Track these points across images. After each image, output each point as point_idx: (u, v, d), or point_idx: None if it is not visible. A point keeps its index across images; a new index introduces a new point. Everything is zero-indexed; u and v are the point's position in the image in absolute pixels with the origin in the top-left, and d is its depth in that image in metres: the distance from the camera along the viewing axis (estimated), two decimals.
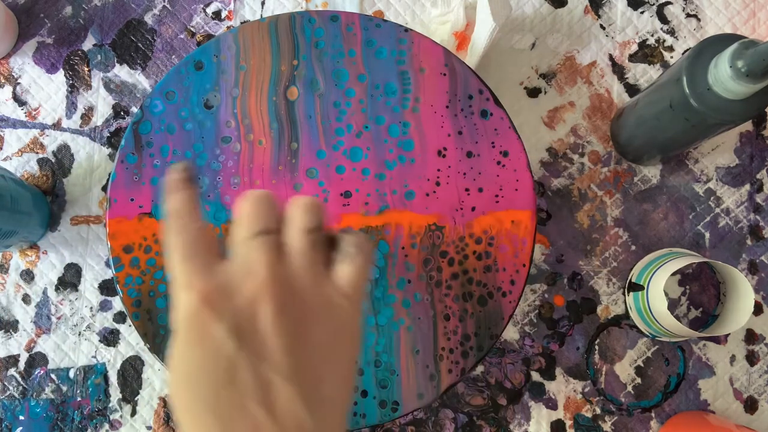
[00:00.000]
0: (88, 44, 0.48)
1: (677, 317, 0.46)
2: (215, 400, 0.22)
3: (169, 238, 0.25)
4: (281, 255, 0.25)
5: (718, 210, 0.47)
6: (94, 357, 0.46)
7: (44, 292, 0.46)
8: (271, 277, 0.24)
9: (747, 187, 0.47)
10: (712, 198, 0.47)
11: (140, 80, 0.48)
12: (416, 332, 0.36)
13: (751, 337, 0.46)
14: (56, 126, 0.48)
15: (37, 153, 0.47)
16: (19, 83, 0.48)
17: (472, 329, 0.36)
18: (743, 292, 0.42)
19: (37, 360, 0.46)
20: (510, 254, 0.36)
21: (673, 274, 0.46)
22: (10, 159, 0.47)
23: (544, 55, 0.48)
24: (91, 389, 0.46)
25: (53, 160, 0.47)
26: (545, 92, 0.48)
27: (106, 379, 0.46)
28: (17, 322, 0.46)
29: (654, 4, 0.48)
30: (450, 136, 0.37)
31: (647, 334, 0.45)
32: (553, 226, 0.47)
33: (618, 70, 0.48)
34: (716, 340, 0.46)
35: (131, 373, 0.46)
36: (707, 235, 0.47)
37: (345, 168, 0.37)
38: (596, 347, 0.46)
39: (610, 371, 0.46)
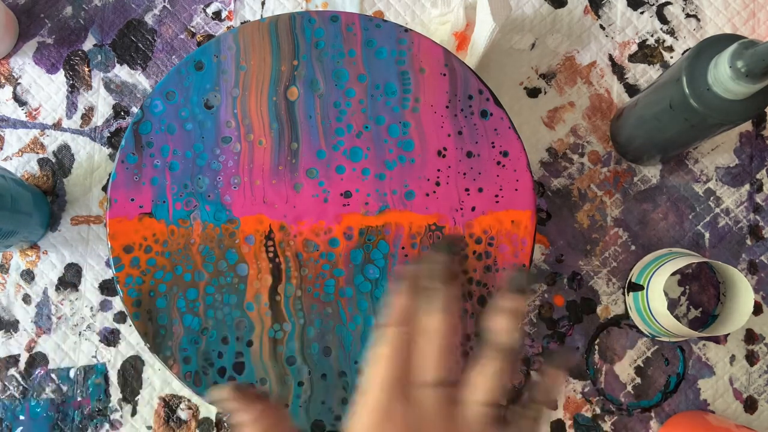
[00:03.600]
0: (88, 44, 0.48)
1: (677, 317, 0.46)
2: None
3: (385, 343, 0.27)
4: (455, 413, 0.26)
5: (717, 210, 0.47)
6: (95, 357, 0.46)
7: (44, 292, 0.46)
8: None
9: (747, 187, 0.47)
10: (711, 198, 0.47)
11: (140, 80, 0.48)
12: None
13: (750, 337, 0.46)
14: (56, 126, 0.48)
15: (38, 153, 0.48)
16: (19, 83, 0.48)
17: (472, 329, 0.36)
18: (743, 292, 0.42)
19: (37, 360, 0.46)
20: (510, 254, 0.36)
21: (673, 274, 0.46)
22: (11, 159, 0.48)
23: (544, 55, 0.48)
24: (91, 389, 0.46)
25: (53, 160, 0.47)
26: (545, 92, 0.48)
27: (106, 379, 0.46)
28: (17, 322, 0.46)
29: (654, 5, 0.48)
30: (450, 136, 0.37)
31: (647, 334, 0.46)
32: (553, 226, 0.47)
33: (618, 70, 0.48)
34: (716, 340, 0.46)
35: (131, 372, 0.46)
36: (707, 235, 0.47)
37: (345, 168, 0.37)
38: (596, 347, 0.46)
39: (609, 371, 0.46)
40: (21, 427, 0.45)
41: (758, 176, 0.47)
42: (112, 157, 0.47)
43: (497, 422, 0.26)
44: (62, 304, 0.46)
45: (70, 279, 0.47)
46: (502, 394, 0.26)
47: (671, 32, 0.48)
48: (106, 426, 0.45)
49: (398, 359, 0.26)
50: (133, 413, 0.46)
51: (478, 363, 0.27)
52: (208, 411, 0.46)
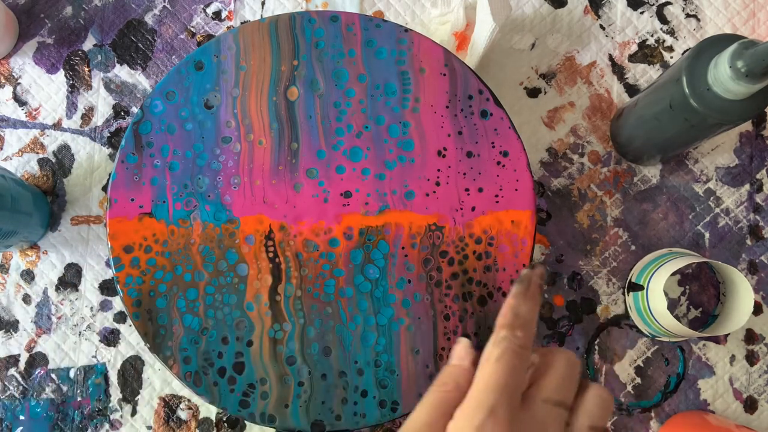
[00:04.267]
0: (88, 44, 0.48)
1: (677, 317, 0.46)
2: None
3: (500, 347, 0.25)
4: None
5: (717, 210, 0.47)
6: (95, 357, 0.46)
7: (44, 292, 0.46)
8: None
9: (747, 187, 0.47)
10: (711, 198, 0.47)
11: (140, 80, 0.48)
12: (416, 332, 0.36)
13: (750, 337, 0.46)
14: (56, 126, 0.48)
15: (38, 153, 0.48)
16: (19, 83, 0.48)
17: (472, 329, 0.36)
18: (743, 292, 0.42)
19: (37, 360, 0.46)
20: (510, 254, 0.36)
21: (673, 274, 0.46)
22: (11, 159, 0.48)
23: (544, 55, 0.48)
24: (91, 389, 0.46)
25: (53, 160, 0.47)
26: (545, 92, 0.48)
27: (106, 379, 0.46)
28: (17, 322, 0.46)
29: (654, 5, 0.48)
30: (450, 136, 0.37)
31: (647, 334, 0.46)
32: (553, 226, 0.47)
33: (618, 70, 0.48)
34: (716, 340, 0.46)
35: (131, 372, 0.46)
36: (707, 235, 0.47)
37: (345, 168, 0.37)
38: (596, 347, 0.46)
39: (609, 371, 0.46)
40: (21, 427, 0.45)
41: (758, 176, 0.47)
42: (112, 157, 0.47)
43: None
44: (62, 304, 0.46)
45: (70, 279, 0.47)
46: (604, 421, 0.26)
47: (671, 32, 0.48)
48: (106, 426, 0.45)
49: (509, 364, 0.25)
50: (133, 413, 0.46)
51: (586, 389, 0.27)
52: (208, 411, 0.46)
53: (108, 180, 0.47)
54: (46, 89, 0.48)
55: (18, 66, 0.48)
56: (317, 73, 0.37)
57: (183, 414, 0.46)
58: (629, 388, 0.46)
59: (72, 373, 0.46)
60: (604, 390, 0.27)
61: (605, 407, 0.26)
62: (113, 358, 0.46)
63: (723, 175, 0.47)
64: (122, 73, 0.48)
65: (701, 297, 0.46)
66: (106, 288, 0.47)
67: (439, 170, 0.37)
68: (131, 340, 0.46)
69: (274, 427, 0.35)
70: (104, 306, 0.46)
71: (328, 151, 0.37)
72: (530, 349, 0.26)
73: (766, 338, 0.46)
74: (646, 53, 0.48)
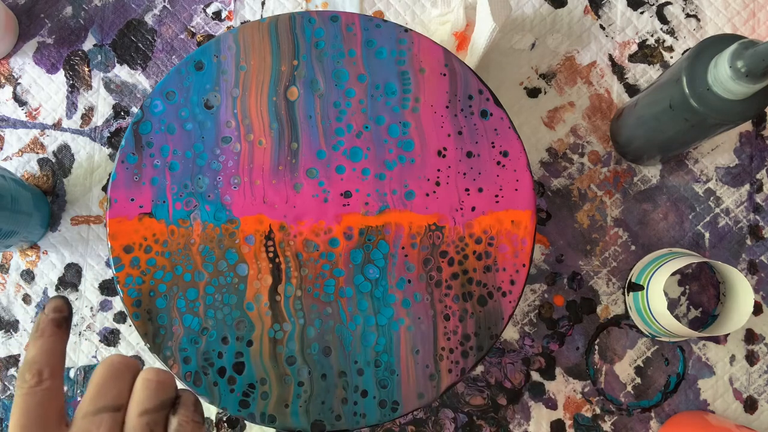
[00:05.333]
0: (88, 44, 0.48)
1: (677, 317, 0.46)
2: None
3: (15, 394, 0.26)
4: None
5: (717, 210, 0.47)
6: (95, 357, 0.46)
7: (45, 292, 0.46)
8: None
9: (747, 187, 0.47)
10: (711, 198, 0.47)
11: (140, 80, 0.48)
12: (416, 332, 0.36)
13: (750, 337, 0.46)
14: (56, 126, 0.48)
15: (38, 153, 0.48)
16: (19, 83, 0.48)
17: (472, 329, 0.36)
18: (743, 292, 0.42)
19: None
20: (510, 254, 0.36)
21: (673, 274, 0.46)
22: (11, 159, 0.48)
23: (544, 55, 0.48)
24: None
25: (53, 160, 0.47)
26: (545, 92, 0.48)
27: None
28: (18, 322, 0.46)
29: (654, 5, 0.48)
30: (450, 136, 0.37)
31: (647, 334, 0.46)
32: (553, 226, 0.47)
33: (618, 70, 0.48)
34: (716, 340, 0.46)
35: None
36: (707, 235, 0.47)
37: (345, 168, 0.37)
38: (596, 347, 0.46)
39: (609, 371, 0.46)
40: None
41: (758, 176, 0.47)
42: (112, 157, 0.47)
43: (158, 426, 0.26)
44: None
45: (70, 279, 0.47)
46: (155, 399, 0.26)
47: (671, 32, 0.48)
48: None
49: (22, 409, 0.25)
50: None
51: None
52: (208, 411, 0.46)
53: (108, 180, 0.47)
54: (46, 89, 0.48)
55: (18, 66, 0.48)
56: (317, 73, 0.37)
57: None
58: (629, 388, 0.46)
59: (72, 373, 0.46)
60: (149, 371, 0.27)
61: (151, 387, 0.26)
62: None
63: (723, 175, 0.47)
64: (122, 73, 0.48)
65: (701, 297, 0.46)
66: (106, 288, 0.47)
67: (439, 170, 0.37)
68: (131, 340, 0.46)
69: (274, 427, 0.35)
70: (104, 306, 0.46)
71: (328, 151, 0.37)
72: (46, 383, 0.26)
73: (766, 338, 0.46)
74: (646, 53, 0.48)
